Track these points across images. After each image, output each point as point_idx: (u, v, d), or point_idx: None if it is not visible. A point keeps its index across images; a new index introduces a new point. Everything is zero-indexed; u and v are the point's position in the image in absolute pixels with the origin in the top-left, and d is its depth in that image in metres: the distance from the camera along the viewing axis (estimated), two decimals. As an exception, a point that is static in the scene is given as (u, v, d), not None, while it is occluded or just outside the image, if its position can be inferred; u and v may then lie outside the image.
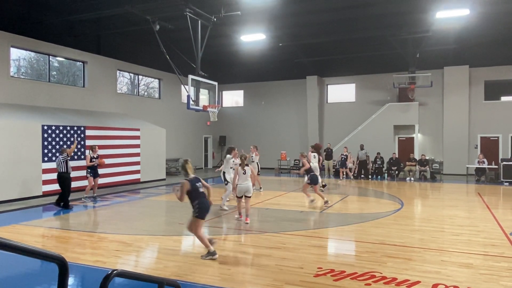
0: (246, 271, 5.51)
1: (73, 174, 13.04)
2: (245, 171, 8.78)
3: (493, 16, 15.37)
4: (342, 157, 19.21)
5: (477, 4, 13.73)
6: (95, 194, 12.25)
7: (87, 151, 11.85)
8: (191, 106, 12.63)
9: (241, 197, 8.89)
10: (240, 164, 8.95)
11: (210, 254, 6.05)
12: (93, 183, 12.04)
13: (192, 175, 6.24)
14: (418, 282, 5.03)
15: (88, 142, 13.95)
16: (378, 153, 19.39)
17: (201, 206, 6.09)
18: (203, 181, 6.32)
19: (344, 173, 19.13)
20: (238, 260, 6.03)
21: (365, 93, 22.71)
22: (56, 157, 11.53)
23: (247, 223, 8.71)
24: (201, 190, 6.19)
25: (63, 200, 10.62)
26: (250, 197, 8.90)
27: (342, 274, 5.34)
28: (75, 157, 13.41)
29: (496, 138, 20.18)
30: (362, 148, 19.09)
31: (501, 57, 19.55)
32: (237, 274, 5.39)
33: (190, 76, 12.61)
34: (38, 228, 8.48)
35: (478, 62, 20.04)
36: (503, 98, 21.45)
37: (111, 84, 17.96)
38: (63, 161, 10.61)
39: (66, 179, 10.63)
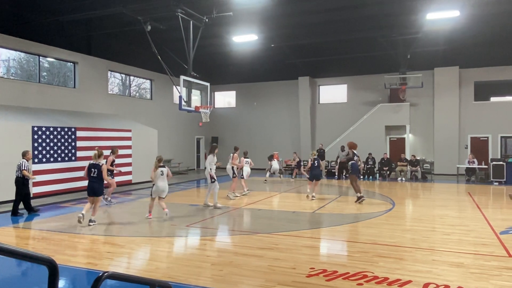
0: (238, 272, 5.51)
1: (67, 175, 13.00)
2: (162, 172, 9.31)
3: (482, 18, 15.53)
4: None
5: (467, 6, 13.87)
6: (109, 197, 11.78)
7: (106, 152, 11.13)
8: (183, 107, 12.60)
9: (155, 197, 9.40)
10: (159, 166, 9.36)
11: None
12: (115, 185, 11.63)
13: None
14: (409, 281, 5.06)
15: (79, 144, 13.85)
16: (370, 154, 19.49)
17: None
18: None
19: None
20: (230, 261, 6.02)
21: (356, 94, 22.84)
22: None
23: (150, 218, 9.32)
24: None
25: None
26: (164, 197, 9.46)
27: (335, 274, 5.36)
28: (66, 158, 13.31)
29: (486, 138, 20.41)
30: (342, 149, 19.15)
31: (491, 58, 19.78)
32: (229, 275, 5.38)
33: (182, 77, 12.58)
34: (28, 230, 8.39)
35: (468, 63, 20.25)
36: (493, 99, 21.69)
37: (102, 85, 17.84)
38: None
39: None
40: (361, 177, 19.14)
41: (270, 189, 14.87)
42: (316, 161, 12.50)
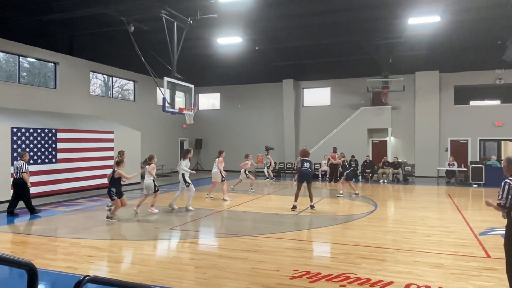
0: (222, 275, 5.49)
1: (47, 177, 12.78)
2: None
3: (462, 24, 15.89)
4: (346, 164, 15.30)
5: (448, 12, 14.17)
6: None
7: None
8: (166, 109, 12.49)
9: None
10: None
11: None
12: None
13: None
14: (391, 282, 5.12)
15: (60, 145, 13.60)
16: (353, 156, 19.69)
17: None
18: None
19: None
20: (214, 263, 5.99)
21: (340, 97, 23.05)
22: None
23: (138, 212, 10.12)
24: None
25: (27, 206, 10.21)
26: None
27: (318, 276, 5.39)
28: (46, 160, 13.05)
29: (466, 142, 20.84)
30: (334, 151, 19.29)
31: (470, 63, 20.25)
32: (213, 278, 5.35)
33: (166, 79, 12.49)
34: (6, 234, 8.20)
35: (448, 67, 20.67)
36: (472, 103, 22.21)
37: (84, 86, 17.58)
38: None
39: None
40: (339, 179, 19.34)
41: (255, 191, 14.85)
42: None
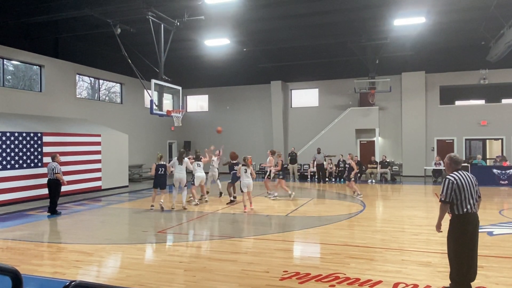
0: (212, 277, 5.47)
1: (32, 182, 12.64)
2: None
3: (447, 25, 16.14)
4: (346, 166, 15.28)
5: (432, 13, 14.38)
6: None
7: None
8: (154, 111, 12.43)
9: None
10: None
11: None
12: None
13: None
14: (380, 281, 5.17)
15: (46, 149, 13.42)
16: (342, 155, 19.85)
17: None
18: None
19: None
20: (204, 266, 5.97)
21: (327, 98, 23.19)
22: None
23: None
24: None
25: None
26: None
27: (307, 276, 5.40)
28: (31, 165, 12.87)
29: (451, 141, 21.14)
30: (319, 151, 19.41)
31: (455, 64, 20.56)
32: (203, 281, 5.33)
33: (153, 81, 12.43)
34: (-9, 240, 8.05)
35: (433, 68, 20.96)
36: (457, 103, 22.55)
37: (70, 89, 17.38)
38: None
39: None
40: (333, 180, 19.49)
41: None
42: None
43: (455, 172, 4.64)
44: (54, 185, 10.61)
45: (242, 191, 10.94)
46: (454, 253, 4.58)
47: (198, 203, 12.14)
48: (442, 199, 4.60)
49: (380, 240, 7.50)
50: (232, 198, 12.41)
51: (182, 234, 8.64)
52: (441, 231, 4.96)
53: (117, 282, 5.31)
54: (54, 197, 10.64)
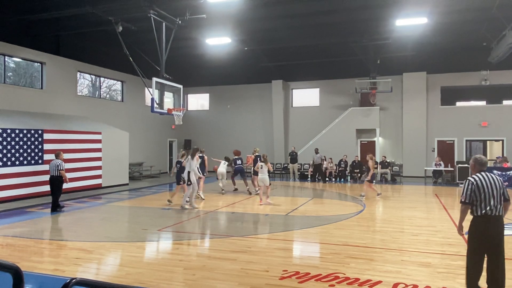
0: (211, 276, 5.47)
1: (33, 179, 12.65)
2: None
3: (449, 26, 16.11)
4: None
5: (434, 14, 14.35)
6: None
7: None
8: (155, 109, 12.42)
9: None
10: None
11: None
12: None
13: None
14: (379, 282, 5.16)
15: (47, 146, 13.42)
16: (345, 156, 19.86)
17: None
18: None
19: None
20: (203, 265, 5.97)
21: (328, 98, 23.17)
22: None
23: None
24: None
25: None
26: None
27: (307, 276, 5.40)
28: (32, 162, 12.87)
29: (452, 142, 21.12)
30: (316, 152, 19.40)
31: (456, 64, 20.53)
32: (202, 279, 5.33)
33: (154, 79, 12.41)
34: (-9, 237, 8.05)
35: (435, 68, 20.93)
36: (458, 103, 22.52)
37: (71, 86, 17.38)
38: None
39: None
40: (333, 180, 19.50)
41: (243, 192, 14.83)
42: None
43: (477, 173, 4.57)
44: (56, 182, 10.73)
45: (258, 186, 12.41)
46: (469, 254, 4.52)
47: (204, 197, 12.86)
48: (462, 200, 4.53)
49: (380, 240, 7.50)
50: (236, 187, 14.98)
51: (182, 232, 8.65)
52: (463, 234, 4.90)
53: (117, 280, 5.31)
54: (56, 194, 10.74)
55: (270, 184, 12.10)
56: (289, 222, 9.69)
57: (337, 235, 7.95)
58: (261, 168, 11.91)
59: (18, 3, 13.52)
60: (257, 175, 12.52)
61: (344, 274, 5.47)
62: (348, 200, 13.21)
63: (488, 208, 4.39)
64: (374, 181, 13.71)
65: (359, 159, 20.13)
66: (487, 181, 4.45)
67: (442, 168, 18.66)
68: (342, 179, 19.52)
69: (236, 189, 14.90)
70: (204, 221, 9.85)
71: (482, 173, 4.56)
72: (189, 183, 11.09)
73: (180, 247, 7.24)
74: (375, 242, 7.35)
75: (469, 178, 4.55)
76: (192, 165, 11.25)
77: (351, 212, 10.74)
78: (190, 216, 10.15)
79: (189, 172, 11.06)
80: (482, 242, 4.41)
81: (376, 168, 19.35)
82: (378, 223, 9.46)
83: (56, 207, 10.73)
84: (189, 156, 11.40)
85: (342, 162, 19.75)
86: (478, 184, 4.44)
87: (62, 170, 10.72)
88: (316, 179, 19.49)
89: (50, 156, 13.45)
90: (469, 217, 4.61)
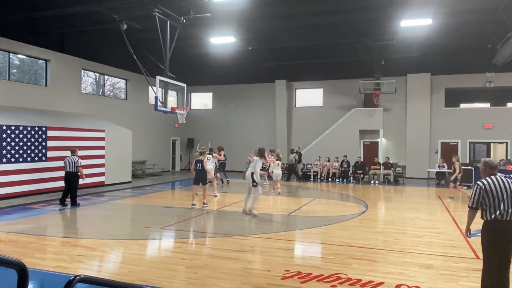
0: (213, 275, 5.48)
1: (36, 176, 12.69)
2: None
3: (453, 27, 16.05)
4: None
5: (439, 15, 14.30)
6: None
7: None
8: (159, 108, 12.44)
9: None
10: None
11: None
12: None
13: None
14: (381, 283, 5.16)
15: (50, 143, 13.47)
16: (345, 156, 19.82)
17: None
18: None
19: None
20: (205, 263, 5.98)
21: (332, 98, 23.14)
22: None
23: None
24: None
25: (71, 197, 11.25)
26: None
27: (309, 276, 5.40)
28: (36, 158, 12.93)
29: (456, 144, 21.05)
30: (292, 152, 19.37)
31: (461, 66, 20.45)
32: (204, 278, 5.34)
33: (158, 77, 12.43)
34: (-5, 233, 8.10)
35: (439, 70, 20.86)
36: (462, 105, 22.45)
37: (75, 84, 17.42)
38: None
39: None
40: (337, 180, 19.48)
41: (245, 191, 14.84)
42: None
43: (487, 177, 4.43)
44: (73, 177, 11.08)
45: (272, 179, 14.31)
46: (484, 260, 4.40)
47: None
48: (470, 205, 4.43)
49: (382, 242, 7.49)
50: (222, 180, 16.96)
51: (184, 231, 8.66)
52: (470, 237, 4.83)
53: (119, 277, 5.33)
54: (75, 189, 11.16)
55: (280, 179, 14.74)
56: (291, 222, 9.69)
57: (339, 236, 7.95)
58: (278, 165, 14.65)
59: (24, 0, 13.56)
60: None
61: (346, 275, 5.47)
62: (350, 200, 13.19)
63: (498, 212, 4.26)
64: (458, 182, 13.47)
65: (362, 159, 20.07)
66: (496, 185, 4.32)
67: (445, 170, 18.59)
68: (345, 180, 19.49)
69: (228, 181, 17.40)
70: (206, 220, 9.86)
71: (493, 176, 4.42)
72: (254, 184, 10.13)
73: (182, 246, 7.26)
74: (378, 243, 7.34)
75: (478, 182, 4.42)
76: (257, 166, 10.29)
77: (354, 212, 10.72)
78: (193, 215, 10.15)
79: (252, 173, 10.14)
80: (492, 247, 4.29)
81: (379, 169, 19.38)
82: (380, 224, 9.45)
83: (75, 202, 11.17)
84: (256, 157, 10.37)
85: (344, 163, 19.73)
86: (487, 188, 4.32)
87: (80, 166, 11.09)
88: (318, 180, 19.47)
89: (54, 153, 13.54)
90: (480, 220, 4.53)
